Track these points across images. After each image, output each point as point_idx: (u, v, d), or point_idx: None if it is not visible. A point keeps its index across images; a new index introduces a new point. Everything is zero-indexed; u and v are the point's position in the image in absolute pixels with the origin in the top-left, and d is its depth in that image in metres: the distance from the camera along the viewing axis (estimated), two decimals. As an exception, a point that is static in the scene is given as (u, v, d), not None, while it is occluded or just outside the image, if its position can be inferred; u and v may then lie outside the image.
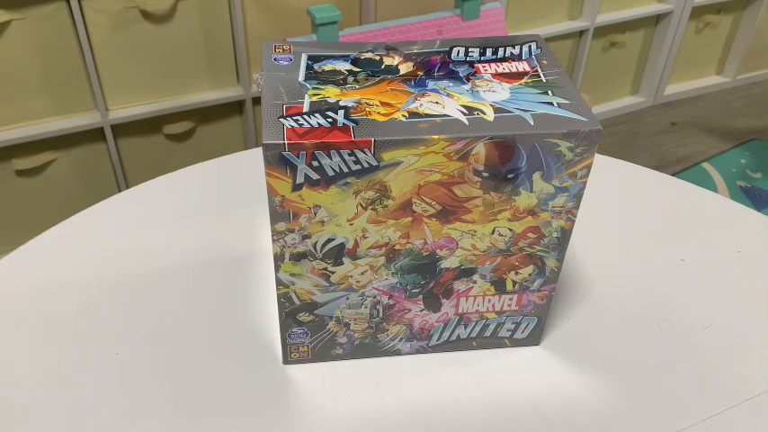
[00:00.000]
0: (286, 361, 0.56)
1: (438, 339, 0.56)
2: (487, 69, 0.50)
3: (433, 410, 0.53)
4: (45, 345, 0.57)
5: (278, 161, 0.43)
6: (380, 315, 0.53)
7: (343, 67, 0.49)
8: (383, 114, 0.45)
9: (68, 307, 0.61)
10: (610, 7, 2.04)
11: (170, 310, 0.61)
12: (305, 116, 0.44)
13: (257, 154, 0.82)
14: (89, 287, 0.63)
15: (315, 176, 0.44)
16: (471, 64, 0.50)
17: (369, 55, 0.50)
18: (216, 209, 0.73)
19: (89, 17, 1.38)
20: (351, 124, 0.43)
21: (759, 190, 1.87)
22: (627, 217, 0.74)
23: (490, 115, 0.45)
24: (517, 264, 0.51)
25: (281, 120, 0.44)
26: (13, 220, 1.54)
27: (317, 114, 0.44)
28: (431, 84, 0.48)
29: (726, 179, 1.92)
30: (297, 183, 0.44)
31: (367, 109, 0.45)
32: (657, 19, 2.14)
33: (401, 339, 0.56)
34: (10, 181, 1.48)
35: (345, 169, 0.44)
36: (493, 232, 0.49)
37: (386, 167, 0.44)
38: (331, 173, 0.44)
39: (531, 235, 0.50)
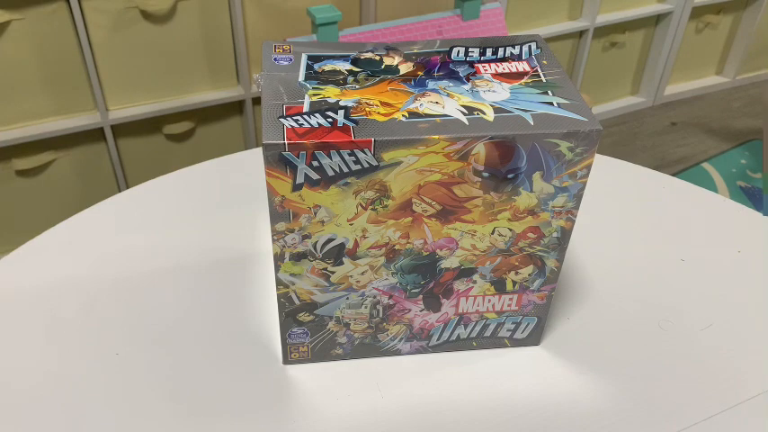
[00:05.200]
0: (286, 361, 0.56)
1: (438, 339, 0.56)
2: (487, 69, 0.50)
3: (433, 410, 0.53)
4: (45, 345, 0.57)
5: (278, 161, 0.43)
6: (380, 315, 0.53)
7: (343, 67, 0.49)
8: (383, 114, 0.45)
9: (69, 307, 0.61)
10: (610, 7, 2.04)
11: (170, 310, 0.61)
12: (305, 116, 0.44)
13: (257, 154, 0.82)
14: (89, 287, 0.63)
15: (315, 176, 0.44)
16: (471, 64, 0.50)
17: (369, 55, 0.50)
18: (216, 209, 0.73)
19: (89, 17, 1.38)
20: (351, 124, 0.43)
21: (759, 190, 1.87)
22: (627, 217, 0.74)
23: (490, 115, 0.45)
24: (517, 264, 0.51)
25: (281, 120, 0.44)
26: (13, 220, 1.54)
27: (317, 114, 0.44)
28: (431, 84, 0.48)
29: (726, 179, 1.92)
30: (297, 183, 0.44)
31: (367, 109, 0.45)
32: (657, 19, 2.14)
33: (401, 339, 0.56)
34: (10, 181, 1.48)
35: (345, 169, 0.44)
36: (493, 232, 0.49)
37: (386, 167, 0.44)
38: (331, 173, 0.44)
39: (531, 235, 0.50)
